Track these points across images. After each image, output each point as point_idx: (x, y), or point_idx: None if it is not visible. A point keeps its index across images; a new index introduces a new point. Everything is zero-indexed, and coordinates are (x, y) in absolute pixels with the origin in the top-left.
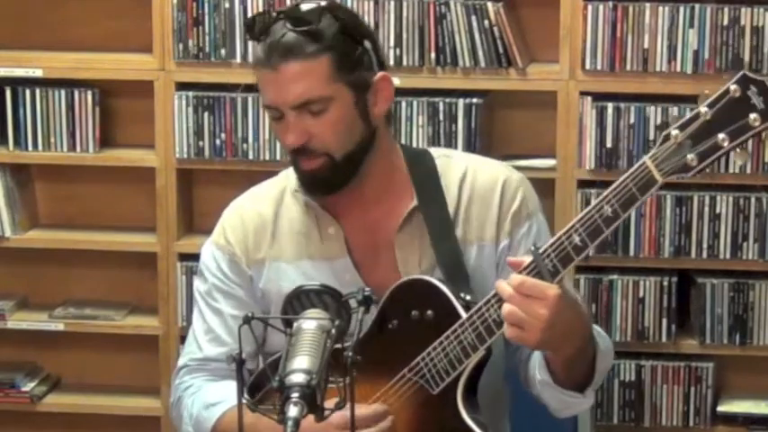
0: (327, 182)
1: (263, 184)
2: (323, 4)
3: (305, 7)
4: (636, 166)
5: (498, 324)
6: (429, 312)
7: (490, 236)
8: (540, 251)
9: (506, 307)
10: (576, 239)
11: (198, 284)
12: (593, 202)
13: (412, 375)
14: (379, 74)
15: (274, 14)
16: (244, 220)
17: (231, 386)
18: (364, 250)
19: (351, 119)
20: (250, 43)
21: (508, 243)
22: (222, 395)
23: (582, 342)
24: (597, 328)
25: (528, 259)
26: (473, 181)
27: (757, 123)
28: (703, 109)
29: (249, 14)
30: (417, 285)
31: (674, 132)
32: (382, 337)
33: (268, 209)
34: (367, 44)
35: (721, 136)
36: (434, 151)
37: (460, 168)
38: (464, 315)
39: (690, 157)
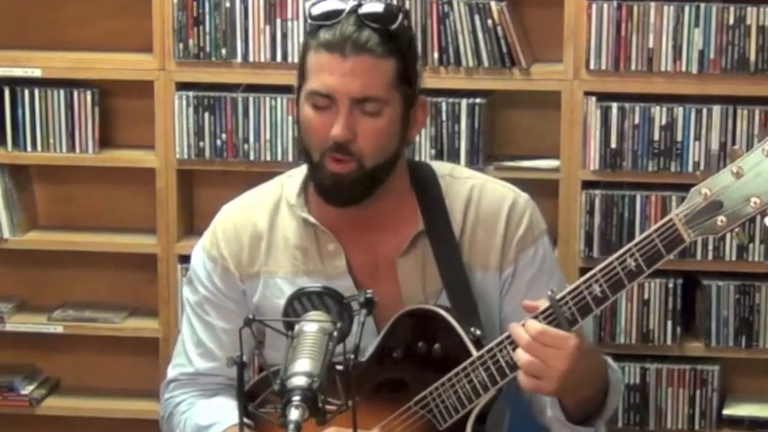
0: (349, 190)
1: (257, 190)
2: (399, 6)
3: (382, 7)
4: (663, 221)
5: (511, 366)
6: (437, 346)
7: (495, 263)
8: (558, 297)
9: (524, 357)
10: (597, 290)
11: (187, 293)
12: (617, 252)
13: (419, 409)
14: (422, 97)
15: (348, 4)
16: (238, 231)
17: (223, 405)
18: (364, 270)
19: (394, 130)
20: (251, 43)
21: (513, 270)
22: (215, 416)
23: (597, 384)
24: (609, 361)
25: (544, 303)
26: (478, 205)
27: None
28: (735, 168)
29: (250, 14)
30: (424, 316)
31: (704, 191)
32: (385, 367)
33: (263, 220)
34: (420, 65)
35: (753, 199)
36: (437, 168)
37: (465, 190)
38: (474, 353)
39: (720, 218)
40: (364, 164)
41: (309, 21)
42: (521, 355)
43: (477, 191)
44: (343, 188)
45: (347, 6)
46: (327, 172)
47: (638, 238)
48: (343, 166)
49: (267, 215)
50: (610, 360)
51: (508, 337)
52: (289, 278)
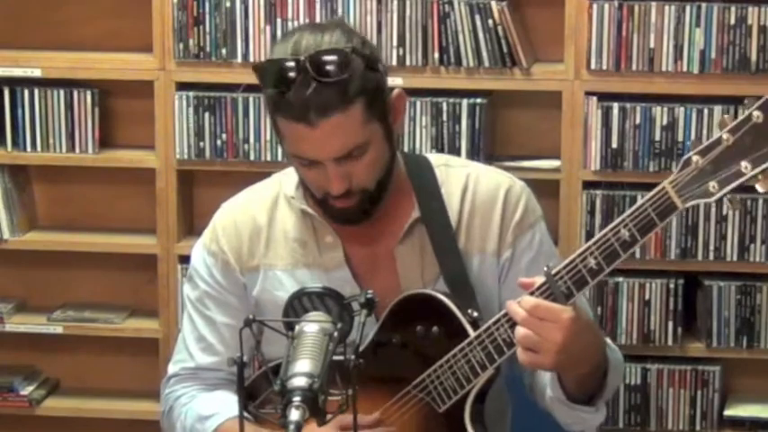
0: (360, 214)
1: (255, 187)
2: (344, 43)
3: (329, 54)
4: (655, 190)
5: (509, 344)
6: (435, 329)
7: (492, 248)
8: (554, 272)
9: (520, 331)
10: (592, 262)
11: (188, 290)
12: (611, 224)
13: (417, 392)
14: (395, 92)
15: (296, 63)
16: (237, 226)
17: (225, 397)
18: (363, 261)
19: (383, 151)
20: (251, 43)
21: (510, 254)
22: (216, 407)
23: (596, 361)
24: (608, 341)
25: (540, 280)
26: (474, 192)
27: None
28: (725, 135)
29: (250, 14)
30: (422, 300)
31: (695, 158)
32: (384, 352)
33: (262, 215)
34: (381, 66)
35: (744, 163)
36: (433, 159)
37: (461, 178)
38: (472, 333)
39: (711, 183)
40: (367, 190)
41: (262, 86)
42: (517, 330)
43: (473, 178)
44: (353, 216)
45: (295, 66)
46: (335, 209)
47: (631, 208)
48: (348, 201)
49: (266, 210)
50: (609, 341)
51: (505, 315)
52: (288, 270)
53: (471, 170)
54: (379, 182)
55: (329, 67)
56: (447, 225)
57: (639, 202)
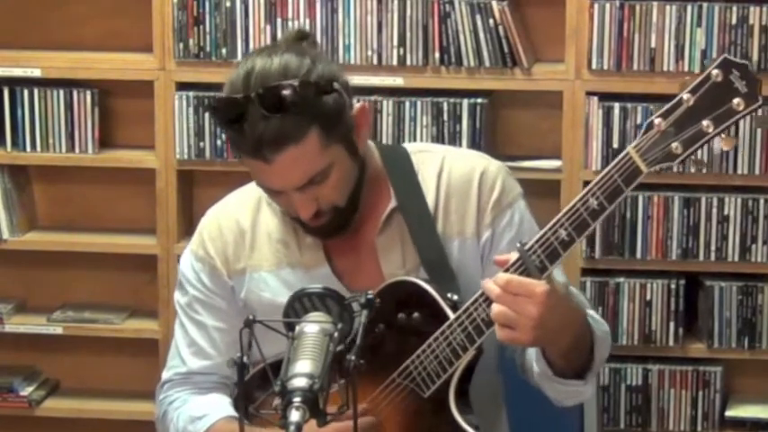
0: (335, 228)
1: (238, 191)
2: (295, 65)
3: (277, 89)
4: (619, 156)
5: (488, 323)
6: (416, 315)
7: (471, 229)
8: (527, 247)
9: (495, 308)
10: (563, 234)
11: (178, 296)
12: (579, 194)
13: (401, 380)
14: (357, 107)
15: (245, 100)
16: (222, 231)
17: (217, 399)
18: (345, 257)
19: (348, 168)
20: (251, 43)
21: (490, 234)
22: (208, 408)
23: (577, 333)
24: (592, 313)
25: (514, 256)
26: (450, 174)
27: (741, 108)
28: (685, 95)
29: (250, 13)
30: (402, 287)
31: (657, 120)
32: (368, 342)
33: (246, 218)
34: (337, 85)
35: (705, 122)
36: (410, 147)
37: (437, 162)
38: (451, 316)
39: (674, 145)
40: (338, 207)
41: (216, 123)
42: (492, 307)
43: (448, 161)
44: (328, 232)
45: (245, 102)
46: (309, 227)
47: (597, 177)
48: (320, 220)
49: (250, 214)
50: (593, 312)
51: (482, 294)
52: (273, 271)
53: (447, 154)
54: (350, 198)
55: (278, 101)
56: (425, 211)
57: (605, 169)
